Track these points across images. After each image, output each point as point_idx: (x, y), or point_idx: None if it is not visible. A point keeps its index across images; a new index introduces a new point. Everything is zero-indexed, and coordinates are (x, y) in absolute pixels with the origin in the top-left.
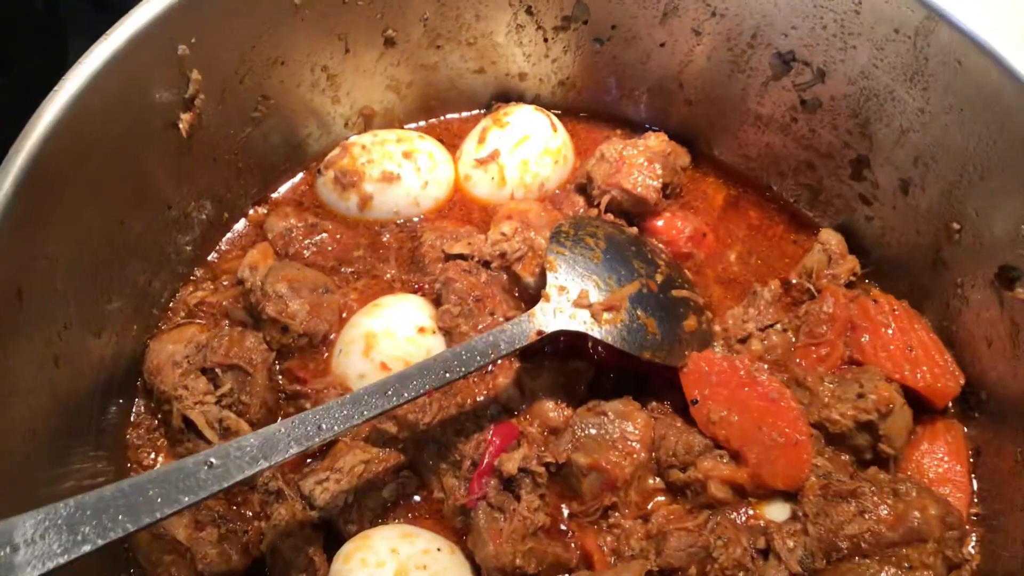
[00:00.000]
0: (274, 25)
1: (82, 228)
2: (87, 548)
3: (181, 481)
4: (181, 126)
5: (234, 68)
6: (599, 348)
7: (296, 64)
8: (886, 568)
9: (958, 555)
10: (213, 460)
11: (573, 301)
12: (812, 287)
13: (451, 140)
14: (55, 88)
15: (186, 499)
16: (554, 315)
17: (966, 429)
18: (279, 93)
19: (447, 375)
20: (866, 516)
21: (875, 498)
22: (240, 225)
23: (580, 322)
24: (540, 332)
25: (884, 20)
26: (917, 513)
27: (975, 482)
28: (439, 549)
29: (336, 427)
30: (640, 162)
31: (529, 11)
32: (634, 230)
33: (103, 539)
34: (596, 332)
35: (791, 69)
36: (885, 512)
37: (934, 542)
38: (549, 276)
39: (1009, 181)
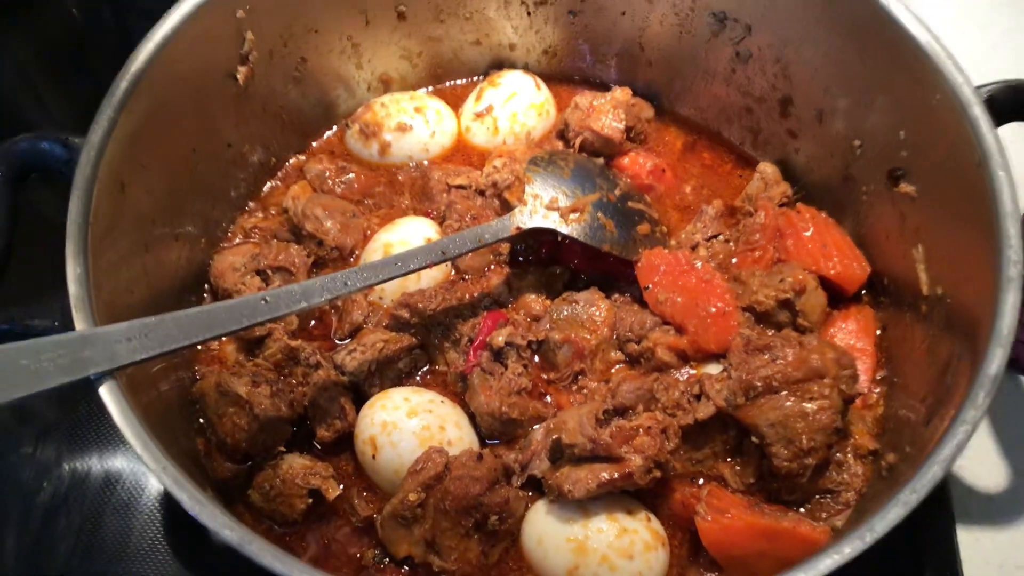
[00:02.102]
0: None
1: (166, 148)
2: (175, 346)
3: (244, 309)
4: (239, 77)
5: (279, 32)
6: (574, 259)
7: (328, 33)
8: (792, 399)
9: (852, 389)
10: (267, 298)
11: (545, 205)
12: (751, 208)
13: (455, 102)
14: (145, 38)
15: (246, 321)
16: (529, 216)
17: (876, 312)
18: (314, 57)
19: (444, 254)
20: (777, 362)
21: (785, 348)
22: (283, 170)
23: (551, 221)
24: (518, 228)
25: None
26: (816, 356)
27: (882, 353)
28: (442, 401)
29: (358, 284)
30: (607, 109)
31: None
32: (600, 160)
33: (187, 341)
34: (564, 229)
35: (725, 27)
36: (791, 357)
37: (831, 378)
38: (526, 187)
39: (887, 99)
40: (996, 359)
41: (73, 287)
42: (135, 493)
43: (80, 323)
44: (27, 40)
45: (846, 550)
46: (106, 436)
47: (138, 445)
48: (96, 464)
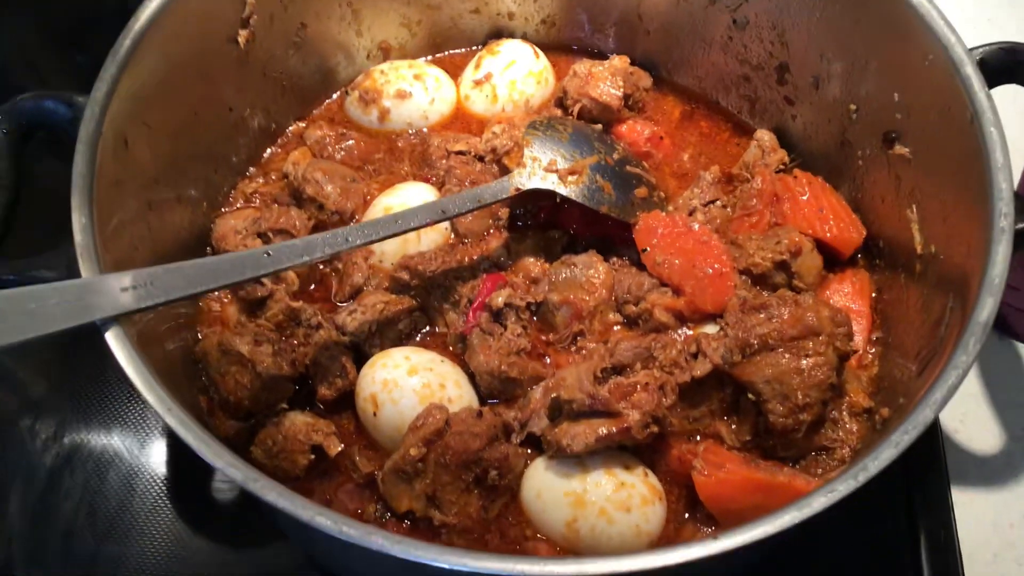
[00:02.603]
0: None
1: (168, 109)
2: (179, 295)
3: (247, 262)
4: (240, 40)
5: None
6: (573, 223)
7: None
8: (787, 356)
9: (846, 346)
10: (270, 252)
11: (543, 167)
12: (749, 175)
13: (453, 71)
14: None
15: (248, 273)
16: (528, 177)
17: (871, 275)
18: (314, 23)
19: (443, 213)
20: (773, 320)
21: (781, 307)
22: (284, 136)
23: (549, 183)
24: (517, 189)
25: None
26: (811, 314)
27: (877, 315)
28: (442, 361)
29: (358, 240)
30: (605, 76)
31: None
32: (599, 126)
33: (191, 290)
34: (562, 190)
35: None
36: (787, 315)
37: (826, 335)
38: (525, 150)
39: (882, 62)
40: (987, 307)
41: (79, 236)
42: (138, 455)
43: (86, 272)
44: (27, 16)
45: (839, 487)
46: (110, 400)
47: (143, 387)
48: (99, 430)
